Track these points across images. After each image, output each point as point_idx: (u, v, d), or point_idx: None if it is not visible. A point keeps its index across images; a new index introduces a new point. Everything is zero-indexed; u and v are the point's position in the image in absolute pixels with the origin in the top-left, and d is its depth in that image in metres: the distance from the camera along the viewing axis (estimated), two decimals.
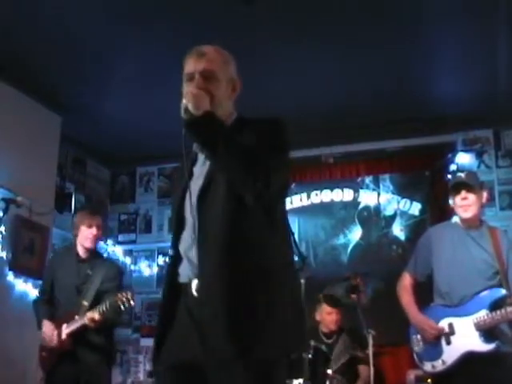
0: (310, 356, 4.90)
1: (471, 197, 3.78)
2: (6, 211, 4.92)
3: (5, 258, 5.34)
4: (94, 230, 4.63)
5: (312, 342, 5.06)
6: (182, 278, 2.19)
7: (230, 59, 2.33)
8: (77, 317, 4.40)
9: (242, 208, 2.10)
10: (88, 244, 4.65)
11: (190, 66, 2.25)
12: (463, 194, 3.78)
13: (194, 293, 2.13)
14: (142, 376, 6.79)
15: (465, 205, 3.79)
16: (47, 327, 4.47)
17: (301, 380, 4.64)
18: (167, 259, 2.39)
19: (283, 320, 2.10)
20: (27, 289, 5.53)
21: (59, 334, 4.42)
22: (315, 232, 6.84)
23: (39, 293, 4.89)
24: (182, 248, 2.20)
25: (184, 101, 2.07)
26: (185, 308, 2.16)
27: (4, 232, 5.27)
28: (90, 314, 4.30)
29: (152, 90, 5.71)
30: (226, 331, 2.01)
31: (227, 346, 2.00)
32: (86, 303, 4.45)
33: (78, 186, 6.98)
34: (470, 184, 3.81)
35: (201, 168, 2.26)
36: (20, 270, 5.49)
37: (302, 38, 4.94)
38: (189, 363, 2.11)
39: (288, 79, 5.46)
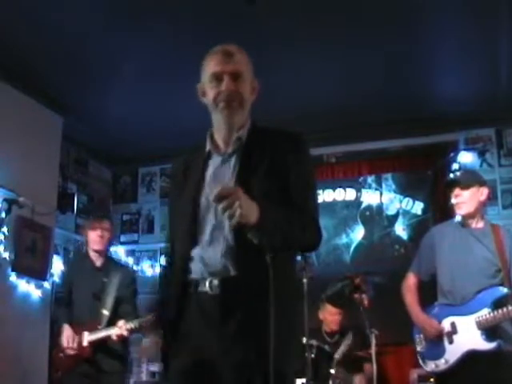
0: (312, 355, 4.90)
1: (465, 194, 3.79)
2: (8, 212, 4.92)
3: (7, 258, 5.33)
4: (99, 232, 4.78)
5: (314, 342, 5.07)
6: (195, 276, 2.16)
7: (249, 60, 2.32)
8: (99, 326, 4.56)
9: None
10: (96, 246, 4.80)
11: (217, 65, 2.22)
12: (456, 191, 3.81)
13: (208, 290, 2.11)
14: (144, 376, 6.78)
15: (458, 202, 3.81)
16: (67, 332, 4.58)
17: (303, 379, 4.64)
18: (175, 258, 2.32)
19: (299, 330, 2.14)
20: (30, 289, 5.53)
21: (80, 341, 4.55)
22: None
23: (60, 299, 5.02)
24: (198, 247, 2.17)
25: (228, 214, 1.95)
26: (196, 306, 2.14)
27: (6, 233, 5.27)
28: (116, 331, 4.44)
29: (154, 90, 5.71)
30: (252, 339, 2.03)
31: (250, 356, 2.02)
32: (106, 312, 4.61)
33: (80, 186, 6.98)
34: (460, 182, 3.84)
35: (218, 169, 2.24)
36: (22, 271, 5.48)
37: (303, 38, 4.93)
38: (202, 364, 2.09)
39: (289, 79, 5.45)
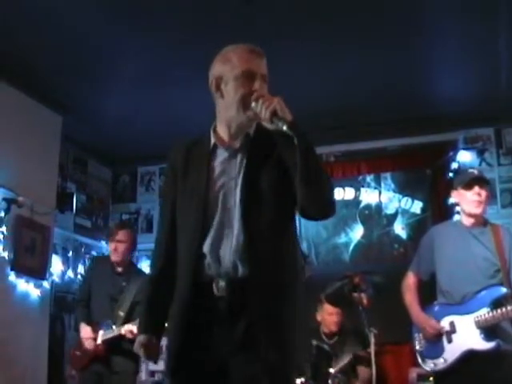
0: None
1: (483, 193, 3.78)
2: (7, 211, 4.94)
3: (6, 257, 5.33)
4: (113, 245, 4.89)
5: (314, 342, 5.07)
6: (206, 278, 2.13)
7: None
8: (114, 326, 4.67)
9: (284, 214, 2.13)
10: (114, 258, 4.90)
11: (252, 65, 2.20)
12: (477, 189, 3.78)
13: (215, 291, 2.10)
14: (144, 376, 6.78)
15: (477, 200, 3.78)
16: (85, 330, 4.74)
17: (303, 379, 4.65)
18: (179, 256, 2.26)
19: (306, 327, 2.14)
20: (29, 289, 5.53)
21: (95, 339, 4.69)
22: (317, 230, 6.84)
23: (79, 296, 5.13)
24: (206, 247, 2.14)
25: (266, 105, 2.08)
26: (203, 307, 2.12)
27: (5, 232, 5.27)
28: (128, 327, 4.54)
29: (153, 90, 5.71)
30: (262, 339, 2.03)
31: (269, 355, 2.02)
32: (122, 313, 4.72)
33: (79, 185, 6.98)
34: (486, 179, 3.83)
35: (225, 163, 2.22)
36: (21, 270, 5.48)
37: (302, 38, 4.93)
38: (210, 364, 2.09)
39: (288, 79, 5.44)
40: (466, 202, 3.83)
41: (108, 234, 5.17)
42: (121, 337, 4.59)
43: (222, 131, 2.26)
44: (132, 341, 4.56)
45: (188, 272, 2.15)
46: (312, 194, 2.05)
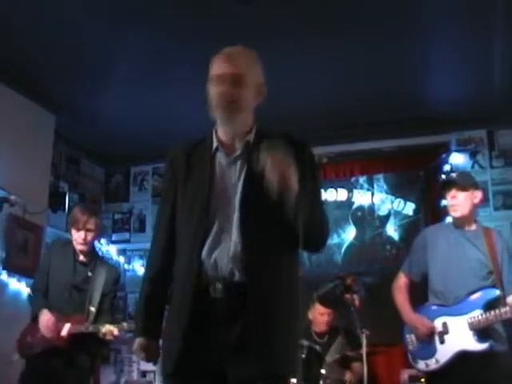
0: (303, 356, 4.90)
1: (460, 196, 3.80)
2: None
3: None
4: (82, 234, 4.48)
5: (305, 342, 5.07)
6: (204, 280, 2.12)
7: (258, 62, 2.30)
8: (86, 322, 4.34)
9: (282, 221, 2.12)
10: (79, 247, 4.52)
11: (219, 68, 2.21)
12: (452, 192, 3.82)
13: (211, 293, 2.10)
14: (135, 375, 6.77)
15: (454, 204, 3.82)
16: (48, 318, 4.31)
17: (294, 380, 4.64)
18: (178, 259, 2.25)
19: (298, 335, 2.17)
20: (21, 288, 5.51)
21: (58, 329, 4.30)
22: None
23: (36, 286, 4.64)
24: (205, 252, 2.14)
25: (274, 176, 2.03)
26: (201, 309, 2.11)
27: None
28: (109, 328, 4.25)
29: (147, 90, 5.70)
30: (256, 342, 2.04)
31: (260, 362, 2.03)
32: (93, 309, 4.40)
33: (71, 185, 6.96)
34: (458, 183, 3.85)
35: (225, 170, 2.22)
36: (14, 269, 5.47)
37: (302, 38, 4.93)
38: (211, 370, 2.09)
39: (286, 79, 5.44)
40: (447, 206, 3.88)
41: (72, 220, 4.59)
42: (91, 334, 4.27)
43: (222, 134, 2.26)
44: (99, 341, 4.35)
45: (188, 276, 2.15)
46: (313, 235, 2.13)
